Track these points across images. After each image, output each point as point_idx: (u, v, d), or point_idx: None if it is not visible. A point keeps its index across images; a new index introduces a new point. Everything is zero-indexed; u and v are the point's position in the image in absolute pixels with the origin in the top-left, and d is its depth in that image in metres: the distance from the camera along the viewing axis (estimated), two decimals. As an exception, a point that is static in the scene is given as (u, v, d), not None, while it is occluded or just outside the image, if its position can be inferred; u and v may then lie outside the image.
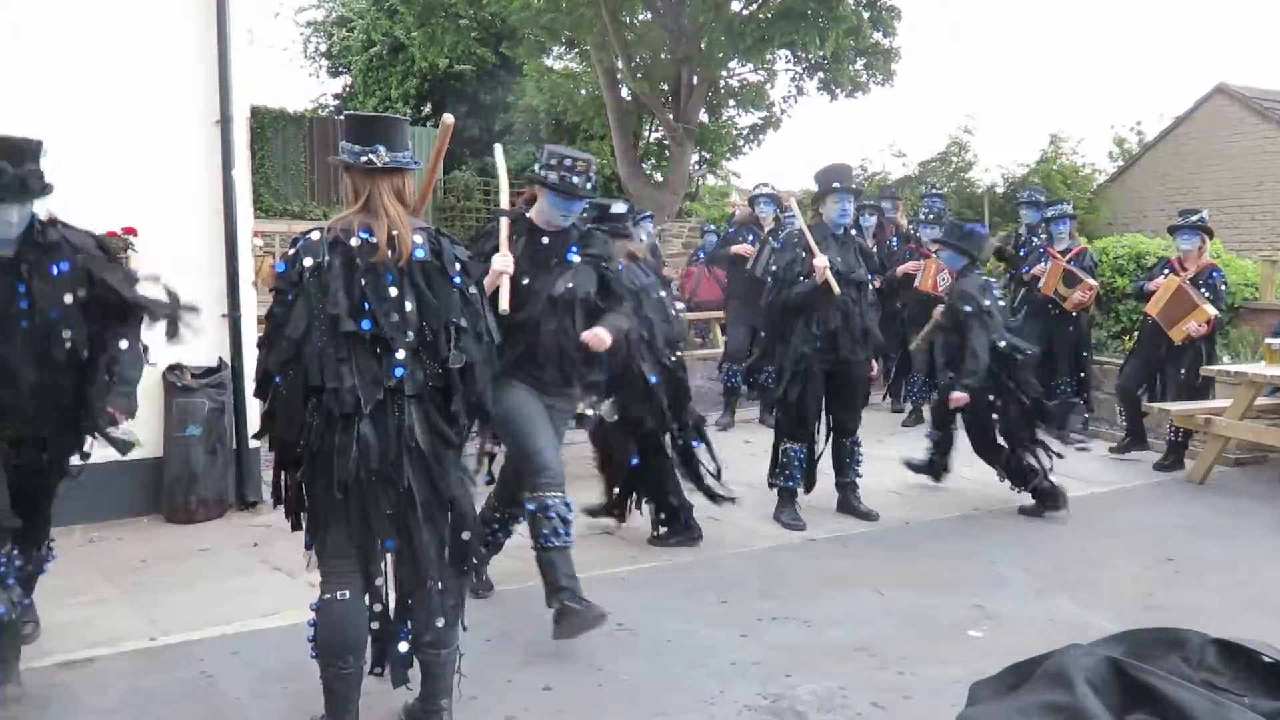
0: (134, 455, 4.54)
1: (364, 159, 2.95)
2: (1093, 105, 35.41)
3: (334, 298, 2.87)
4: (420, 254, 2.96)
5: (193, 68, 5.72)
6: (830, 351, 5.60)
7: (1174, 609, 4.38)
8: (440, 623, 3.11)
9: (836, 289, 5.44)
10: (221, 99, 5.76)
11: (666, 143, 17.27)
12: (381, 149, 2.95)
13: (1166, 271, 7.22)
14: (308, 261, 2.90)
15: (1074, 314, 7.87)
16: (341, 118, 19.90)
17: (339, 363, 2.87)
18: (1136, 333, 7.79)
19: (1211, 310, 6.84)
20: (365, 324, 2.89)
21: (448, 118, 3.14)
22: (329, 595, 3.01)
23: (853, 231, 5.93)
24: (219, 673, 3.75)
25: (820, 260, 5.41)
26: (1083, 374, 8.04)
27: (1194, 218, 7.22)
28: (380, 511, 2.96)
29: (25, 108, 5.29)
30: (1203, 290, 6.97)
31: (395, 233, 2.93)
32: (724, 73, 15.93)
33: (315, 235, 2.96)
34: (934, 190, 10.09)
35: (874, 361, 5.85)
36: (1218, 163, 14.78)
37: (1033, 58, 43.45)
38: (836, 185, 5.69)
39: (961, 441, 6.22)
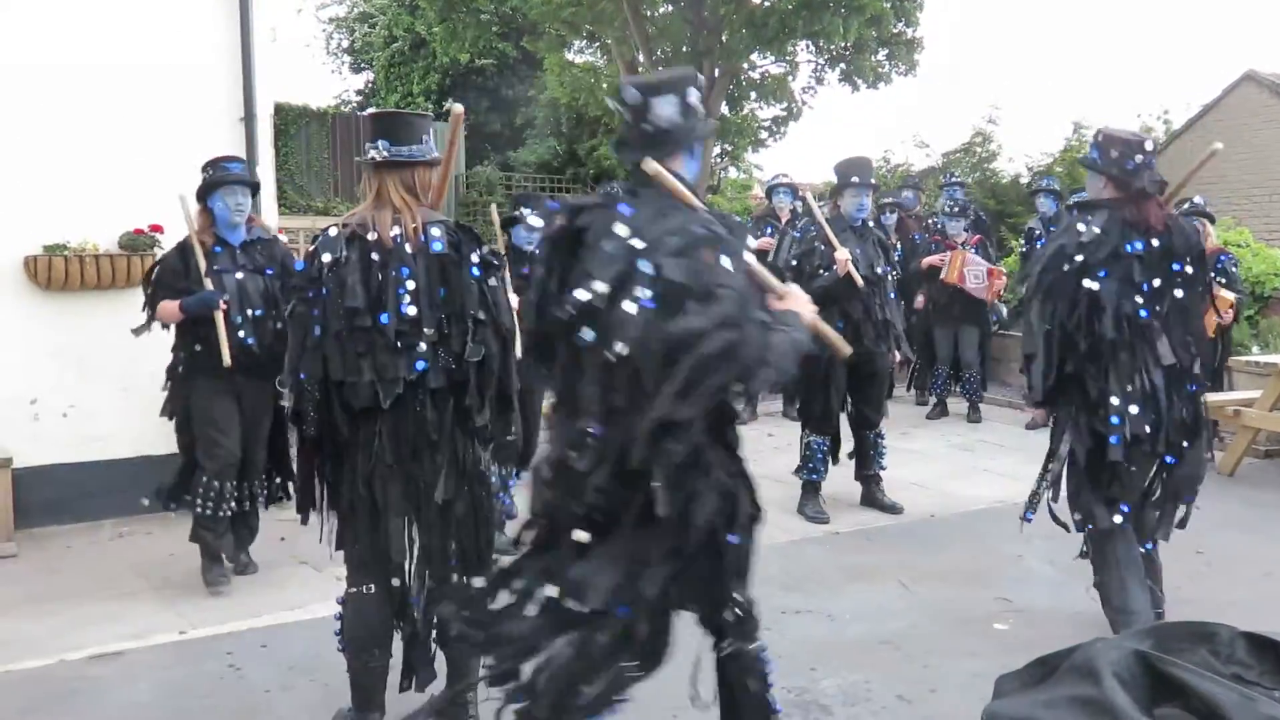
0: (162, 450, 4.60)
1: (369, 155, 3.00)
2: (1119, 94, 34.99)
3: (351, 291, 2.89)
4: (438, 247, 2.97)
5: (216, 66, 5.77)
6: (853, 344, 5.59)
7: (1202, 602, 4.34)
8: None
9: (860, 280, 5.44)
10: (245, 96, 5.80)
11: (688, 136, 17.19)
12: (383, 144, 2.99)
13: None
14: (326, 257, 2.93)
15: None
16: (365, 114, 19.99)
17: (358, 357, 2.90)
18: None
19: (1230, 295, 6.78)
20: (383, 318, 2.91)
21: (456, 107, 3.14)
22: (354, 589, 3.04)
23: (870, 224, 5.93)
24: (247, 665, 3.78)
25: (842, 253, 5.42)
26: None
27: (1185, 205, 7.18)
28: (403, 506, 2.98)
29: (52, 108, 5.37)
30: (1214, 276, 6.89)
31: (409, 226, 2.95)
32: (745, 65, 15.86)
33: (333, 231, 2.98)
34: (954, 179, 10.01)
35: (895, 351, 5.84)
36: (1246, 151, 14.57)
37: (1057, 46, 43.02)
38: (855, 180, 5.72)
39: (985, 433, 6.18)
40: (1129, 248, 3.74)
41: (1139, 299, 3.74)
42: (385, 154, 2.98)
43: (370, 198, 3.03)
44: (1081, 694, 1.96)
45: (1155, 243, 3.76)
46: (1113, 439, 3.72)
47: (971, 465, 6.99)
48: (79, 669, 3.76)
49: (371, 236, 2.94)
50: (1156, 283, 3.74)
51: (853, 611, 4.32)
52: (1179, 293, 3.77)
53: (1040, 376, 3.86)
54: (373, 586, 3.04)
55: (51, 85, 5.37)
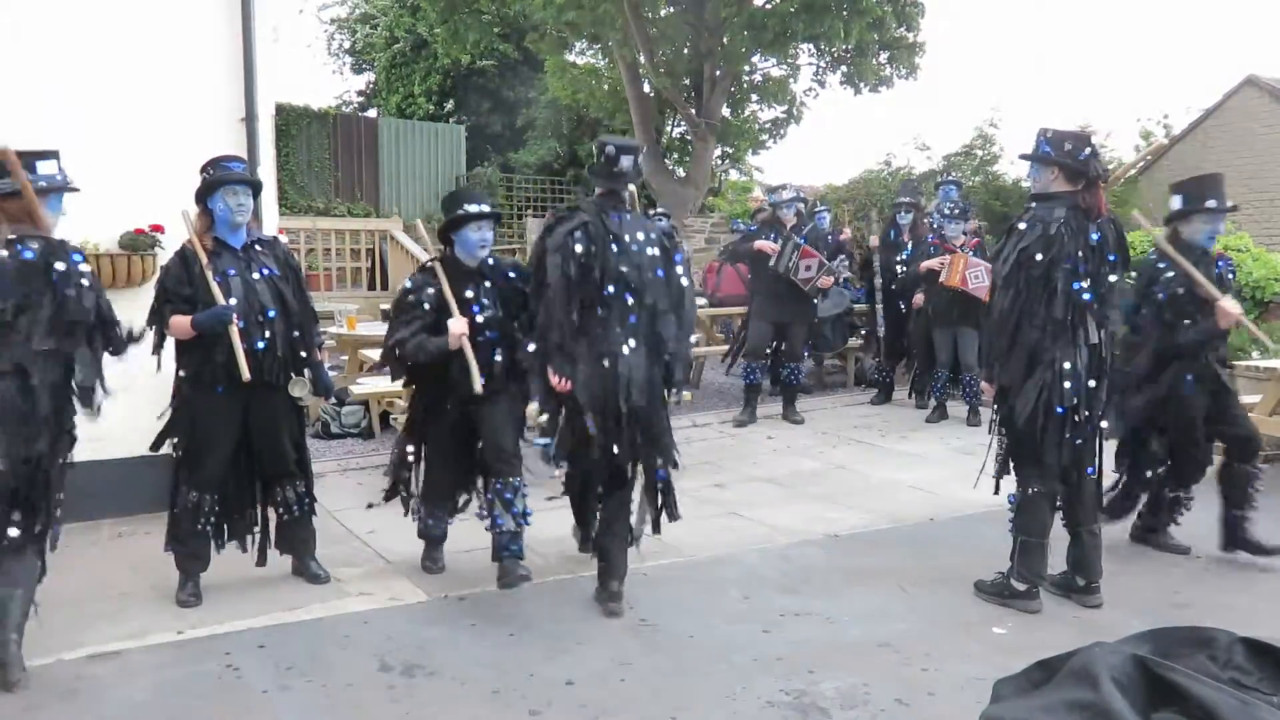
0: (161, 450, 4.59)
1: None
2: (1119, 97, 35.01)
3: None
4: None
5: (218, 66, 5.76)
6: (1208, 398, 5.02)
7: (1201, 607, 4.35)
8: None
9: (1259, 335, 5.26)
10: (246, 97, 5.80)
11: (689, 138, 17.25)
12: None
13: None
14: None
15: None
16: (364, 116, 20.00)
17: None
18: None
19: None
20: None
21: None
22: None
23: (1207, 250, 4.95)
24: (245, 666, 3.79)
25: (1230, 305, 4.69)
26: None
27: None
28: None
29: (53, 108, 5.36)
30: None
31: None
32: (746, 67, 15.89)
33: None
34: (948, 179, 9.97)
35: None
36: (1247, 155, 14.59)
37: (1058, 49, 43.04)
38: (1212, 204, 4.80)
39: (984, 436, 6.15)
40: (1087, 237, 4.14)
41: (1083, 283, 4.13)
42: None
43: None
44: (1079, 699, 1.96)
45: (1101, 232, 4.18)
46: (1057, 409, 4.14)
47: (971, 468, 6.96)
48: (77, 668, 3.76)
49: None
50: (1098, 269, 4.16)
51: (851, 614, 4.32)
52: (1112, 278, 4.22)
53: (1006, 356, 4.24)
54: None
55: (52, 85, 5.37)
